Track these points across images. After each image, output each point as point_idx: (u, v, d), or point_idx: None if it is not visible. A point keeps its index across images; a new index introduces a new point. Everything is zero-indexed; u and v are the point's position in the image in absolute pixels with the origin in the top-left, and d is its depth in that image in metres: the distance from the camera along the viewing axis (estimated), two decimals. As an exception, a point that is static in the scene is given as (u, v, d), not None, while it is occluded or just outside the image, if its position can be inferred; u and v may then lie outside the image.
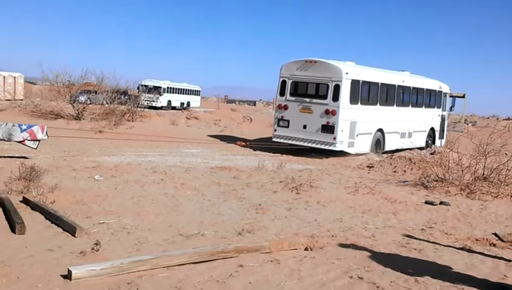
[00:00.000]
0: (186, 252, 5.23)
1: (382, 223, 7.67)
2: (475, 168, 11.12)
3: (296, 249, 5.96)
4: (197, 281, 4.64)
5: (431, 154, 14.21)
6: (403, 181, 11.57)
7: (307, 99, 16.29)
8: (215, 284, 4.63)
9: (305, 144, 16.34)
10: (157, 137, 18.06)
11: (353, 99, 16.07)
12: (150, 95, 34.71)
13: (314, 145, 16.14)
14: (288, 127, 16.63)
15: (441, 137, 21.77)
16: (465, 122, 36.59)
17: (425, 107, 20.34)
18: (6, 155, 11.28)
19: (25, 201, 7.10)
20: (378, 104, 17.40)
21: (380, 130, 17.38)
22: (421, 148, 17.41)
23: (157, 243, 5.87)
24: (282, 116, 16.82)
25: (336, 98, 15.66)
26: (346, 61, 17.18)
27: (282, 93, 16.91)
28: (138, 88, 36.76)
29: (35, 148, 11.21)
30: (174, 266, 4.95)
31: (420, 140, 19.79)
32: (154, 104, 36.84)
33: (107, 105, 24.82)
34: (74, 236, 5.79)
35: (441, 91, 21.52)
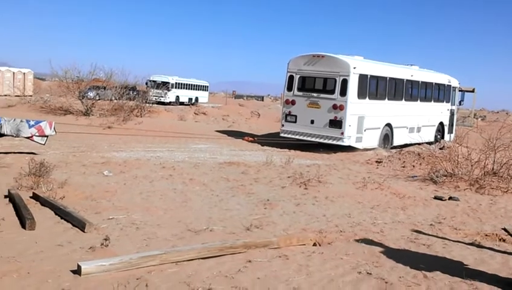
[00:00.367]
0: (194, 248, 5.25)
1: (391, 219, 7.65)
2: (484, 163, 11.05)
3: (304, 244, 5.96)
4: (206, 277, 4.66)
5: (440, 149, 14.12)
6: (412, 176, 11.53)
7: (315, 94, 16.24)
8: (223, 279, 4.64)
9: (313, 139, 16.30)
10: (165, 133, 18.12)
11: (361, 94, 16.00)
12: (158, 91, 34.81)
13: (321, 141, 16.10)
14: (295, 122, 16.59)
15: (450, 132, 21.62)
16: (474, 117, 36.31)
17: (434, 101, 20.20)
18: (16, 151, 11.36)
19: (35, 197, 7.16)
20: (386, 99, 17.31)
21: (388, 125, 17.29)
22: (430, 143, 17.33)
23: (166, 238, 5.90)
24: (289, 112, 16.79)
25: (343, 92, 15.60)
26: (354, 55, 17.09)
27: (289, 88, 16.87)
28: (146, 84, 36.89)
29: (44, 144, 11.28)
30: (183, 261, 4.97)
31: (429, 135, 19.68)
32: (162, 99, 36.92)
33: (115, 101, 24.94)
34: (84, 232, 5.84)
35: (450, 85, 21.37)
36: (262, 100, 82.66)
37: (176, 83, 45.08)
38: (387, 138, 17.35)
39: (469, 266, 5.45)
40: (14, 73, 37.98)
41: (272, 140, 17.90)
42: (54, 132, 11.39)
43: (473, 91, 24.10)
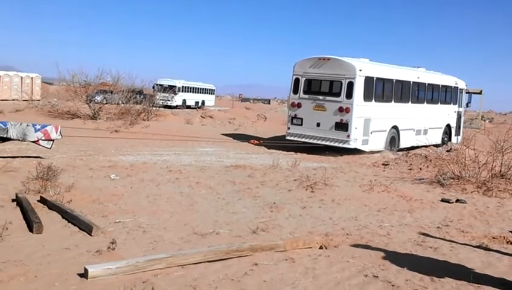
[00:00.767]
0: (201, 251, 5.26)
1: (397, 221, 7.62)
2: (492, 166, 10.99)
3: (310, 247, 5.96)
4: (212, 280, 4.67)
5: (447, 151, 14.07)
6: (419, 179, 11.48)
7: (321, 97, 16.24)
8: (230, 282, 4.65)
9: (319, 142, 16.29)
10: (172, 136, 18.17)
11: (367, 97, 15.98)
12: (165, 94, 34.96)
13: (328, 143, 16.08)
14: (301, 125, 16.60)
15: (457, 134, 21.53)
16: (482, 119, 36.12)
17: (441, 103, 20.14)
18: (23, 155, 11.43)
19: (42, 200, 7.20)
20: (392, 101, 17.28)
21: (395, 127, 17.25)
22: (437, 146, 17.27)
23: (172, 241, 5.91)
24: (295, 114, 16.79)
25: (349, 95, 15.58)
26: (360, 58, 17.08)
27: (295, 91, 16.88)
28: (153, 87, 37.03)
29: (50, 148, 11.33)
30: (189, 264, 4.98)
31: (436, 137, 19.61)
32: (169, 103, 37.06)
33: (122, 105, 25.03)
34: (90, 235, 5.86)
35: (457, 87, 21.29)
36: (269, 103, 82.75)
37: (182, 86, 45.24)
38: (393, 140, 17.31)
39: (476, 269, 5.42)
40: (22, 78, 38.28)
41: (278, 143, 17.90)
42: (60, 136, 11.44)
43: (480, 93, 23.97)
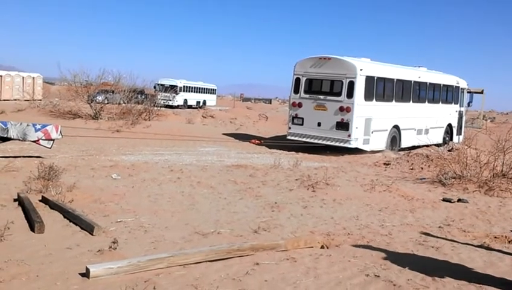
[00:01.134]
0: (202, 251, 5.26)
1: (399, 221, 7.62)
2: (493, 165, 10.98)
3: (312, 247, 5.95)
4: (213, 279, 4.67)
5: (448, 151, 14.06)
6: (420, 178, 11.48)
7: (321, 97, 16.23)
8: (231, 282, 4.65)
9: (320, 141, 16.28)
10: (173, 136, 18.18)
11: (368, 96, 15.97)
12: (166, 94, 34.97)
13: (328, 143, 16.08)
14: (302, 124, 16.59)
15: (459, 133, 21.50)
16: (483, 119, 36.12)
17: (442, 103, 20.12)
18: (25, 155, 11.45)
19: (44, 200, 7.21)
20: (393, 101, 17.27)
21: (396, 127, 17.24)
22: (438, 145, 17.24)
23: (173, 241, 5.91)
24: (296, 114, 16.79)
25: (350, 94, 15.58)
26: (361, 57, 17.07)
27: (296, 90, 16.87)
28: (155, 87, 37.08)
29: (50, 148, 11.33)
30: (191, 264, 4.98)
31: (437, 136, 19.59)
32: (170, 103, 37.07)
33: (124, 104, 25.05)
34: (92, 235, 5.87)
35: (458, 87, 21.27)
36: (270, 103, 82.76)
37: (183, 86, 45.27)
38: (394, 140, 17.30)
39: (478, 269, 5.42)
40: (23, 78, 38.31)
41: (279, 142, 17.90)
42: (61, 136, 11.44)
43: (481, 92, 23.96)
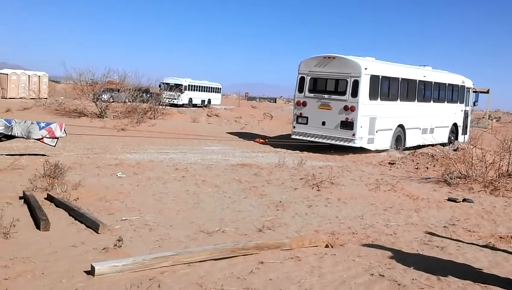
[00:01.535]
0: (207, 249, 5.27)
1: (404, 221, 7.60)
2: (499, 165, 10.94)
3: (316, 246, 5.95)
4: (218, 278, 4.67)
5: (454, 150, 14.02)
6: (425, 178, 11.45)
7: (326, 96, 16.21)
8: (235, 280, 4.65)
9: (324, 140, 16.26)
10: (178, 134, 18.20)
11: (372, 95, 15.93)
12: (171, 93, 35.01)
13: (333, 142, 16.05)
14: (307, 123, 16.57)
15: (464, 133, 21.42)
16: (489, 118, 35.95)
17: (447, 102, 20.04)
18: (31, 153, 11.50)
19: (50, 198, 7.24)
20: (398, 100, 17.22)
21: (401, 126, 17.19)
22: (443, 145, 17.19)
23: (178, 239, 5.93)
24: (300, 113, 16.77)
25: (354, 94, 15.55)
26: (365, 56, 17.03)
27: (300, 90, 16.86)
28: (160, 86, 37.11)
29: (54, 146, 11.37)
30: (195, 262, 4.99)
31: (442, 136, 19.53)
32: (175, 101, 37.12)
33: (129, 103, 25.11)
34: (97, 232, 5.89)
35: (464, 86, 21.18)
36: (275, 102, 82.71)
37: (188, 85, 45.32)
38: (399, 139, 17.25)
39: (483, 269, 5.40)
40: (29, 76, 38.45)
41: (284, 141, 17.89)
42: (65, 134, 11.47)
43: (487, 92, 23.84)
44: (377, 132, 16.04)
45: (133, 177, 9.53)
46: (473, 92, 21.99)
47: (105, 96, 26.30)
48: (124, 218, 6.66)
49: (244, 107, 46.28)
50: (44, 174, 8.23)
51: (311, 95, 16.55)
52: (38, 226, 5.95)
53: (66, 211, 6.69)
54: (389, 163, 13.74)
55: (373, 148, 16.04)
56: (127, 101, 25.68)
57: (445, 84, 19.94)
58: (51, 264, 4.78)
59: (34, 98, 30.01)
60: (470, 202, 9.14)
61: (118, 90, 28.17)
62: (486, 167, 10.92)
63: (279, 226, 6.79)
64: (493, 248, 6.28)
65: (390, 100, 16.84)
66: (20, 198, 7.23)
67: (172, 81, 42.82)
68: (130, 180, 9.23)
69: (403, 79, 17.41)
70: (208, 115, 30.55)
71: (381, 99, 16.32)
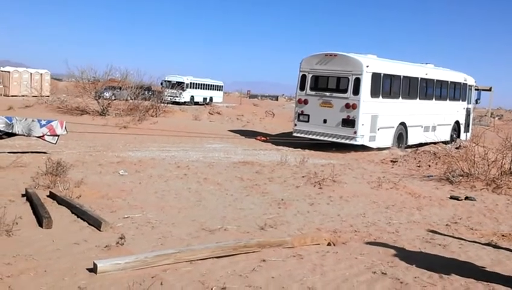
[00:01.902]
0: (209, 247, 5.27)
1: (406, 219, 7.60)
2: (501, 163, 10.91)
3: (318, 244, 5.95)
4: (220, 275, 4.67)
5: (456, 148, 13.99)
6: (428, 176, 11.43)
7: (327, 94, 16.19)
8: (237, 278, 4.65)
9: (326, 138, 16.25)
10: (180, 132, 18.21)
11: (374, 93, 15.91)
12: (173, 91, 35.03)
13: (334, 140, 16.04)
14: (308, 121, 16.56)
15: (466, 131, 21.40)
16: (491, 116, 35.89)
17: (449, 100, 20.01)
18: (33, 150, 11.51)
19: (52, 196, 7.25)
20: (400, 98, 17.19)
21: (403, 124, 17.17)
22: (445, 142, 17.16)
23: (180, 237, 5.93)
24: (302, 111, 16.76)
25: (356, 91, 15.53)
26: (367, 54, 17.01)
27: (302, 87, 16.84)
28: (161, 84, 37.14)
29: (55, 144, 11.37)
30: (197, 260, 4.99)
31: (445, 134, 19.50)
32: (177, 99, 37.12)
33: (131, 101, 25.15)
34: (99, 230, 5.89)
35: (466, 84, 21.15)
36: (277, 100, 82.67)
37: (190, 83, 45.29)
38: (401, 137, 17.23)
39: (485, 267, 5.39)
40: (31, 74, 38.49)
41: (285, 139, 17.89)
42: (65, 132, 11.47)
43: (489, 90, 23.81)
44: (378, 129, 16.02)
45: (135, 175, 9.54)
46: (475, 89, 21.96)
47: (107, 94, 26.33)
48: (126, 216, 6.67)
49: (246, 105, 46.28)
50: (46, 171, 8.24)
51: (313, 92, 16.53)
52: (40, 224, 5.96)
53: (68, 208, 6.70)
54: (391, 161, 13.72)
55: (375, 146, 16.03)
56: (128, 99, 25.71)
57: (447, 82, 19.91)
58: (54, 262, 4.79)
59: (36, 96, 30.08)
60: (472, 200, 9.12)
61: (120, 88, 28.20)
62: (488, 165, 10.90)
63: (281, 224, 6.79)
64: (495, 246, 6.26)
65: (392, 98, 16.83)
66: (23, 196, 7.24)
67: (174, 79, 42.81)
68: (132, 178, 9.24)
69: (404, 77, 17.38)
70: (209, 113, 30.56)
71: (382, 97, 16.30)
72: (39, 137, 11.18)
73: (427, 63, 20.07)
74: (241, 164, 11.67)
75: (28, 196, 7.06)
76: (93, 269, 4.54)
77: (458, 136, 20.47)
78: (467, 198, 9.22)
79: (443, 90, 19.66)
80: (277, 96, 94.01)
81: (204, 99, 47.11)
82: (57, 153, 11.10)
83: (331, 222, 7.10)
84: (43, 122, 11.15)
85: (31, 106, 25.56)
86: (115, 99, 25.64)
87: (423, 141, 17.57)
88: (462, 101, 20.95)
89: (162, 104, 26.60)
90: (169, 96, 32.34)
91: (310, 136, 16.69)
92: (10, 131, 10.66)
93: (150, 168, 10.33)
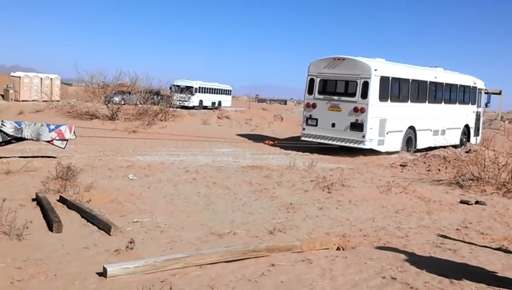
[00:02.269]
0: (218, 251, 5.28)
1: (416, 223, 7.56)
2: (512, 167, 10.84)
3: (327, 248, 5.94)
4: (229, 280, 4.68)
5: (466, 152, 13.91)
6: (437, 180, 11.37)
7: (336, 98, 16.17)
8: (247, 283, 4.65)
9: (334, 142, 16.22)
10: (189, 136, 18.25)
11: (383, 97, 15.86)
12: (182, 95, 35.14)
13: (343, 144, 16.00)
14: (316, 125, 16.54)
15: (476, 134, 21.26)
16: (501, 120, 35.59)
17: (459, 103, 19.90)
18: (43, 155, 11.59)
19: (62, 200, 7.29)
20: (409, 101, 17.13)
21: (412, 128, 17.09)
22: (455, 146, 17.06)
23: (190, 241, 5.94)
24: (310, 115, 16.74)
25: (364, 95, 15.49)
26: (375, 58, 16.97)
27: (310, 91, 16.83)
28: (170, 88, 37.27)
29: (64, 148, 11.43)
30: (207, 264, 5.00)
31: (454, 138, 19.38)
32: (186, 104, 37.24)
33: (140, 105, 25.24)
34: (109, 234, 5.92)
35: (476, 87, 21.02)
36: (285, 104, 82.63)
37: (199, 87, 45.41)
38: (410, 140, 17.15)
39: (496, 272, 5.35)
40: (41, 79, 38.78)
41: (293, 143, 17.87)
42: (74, 136, 11.52)
43: (499, 93, 23.63)
44: (387, 133, 15.96)
45: (145, 179, 9.58)
46: (485, 93, 21.81)
47: (116, 99, 26.47)
48: (135, 220, 6.69)
49: (255, 109, 46.30)
50: (56, 176, 8.30)
51: (321, 96, 16.51)
52: (51, 228, 5.99)
53: (78, 213, 6.74)
54: (401, 165, 13.66)
55: (383, 150, 15.96)
56: (138, 103, 25.82)
57: (457, 85, 19.80)
58: (64, 266, 4.82)
59: (46, 101, 30.28)
60: (482, 204, 9.06)
61: (129, 93, 28.34)
62: (499, 169, 10.83)
63: (290, 229, 6.78)
64: (506, 251, 6.22)
65: (400, 101, 16.76)
66: (33, 200, 7.29)
67: (183, 83, 42.95)
68: (141, 182, 9.27)
69: (413, 80, 17.32)
70: (218, 117, 30.63)
71: (391, 101, 16.25)
72: (48, 141, 11.25)
73: (436, 67, 19.98)
74: (249, 168, 11.67)
75: (39, 201, 7.11)
76: (103, 273, 4.57)
77: (468, 140, 20.34)
78: (477, 202, 9.16)
79: (452, 93, 19.56)
80: (285, 100, 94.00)
81: (213, 103, 47.21)
82: (67, 158, 11.16)
83: (340, 227, 7.08)
84: (52, 126, 11.21)
85: (42, 110, 25.75)
86: (124, 104, 25.77)
87: (432, 145, 17.47)
88: (472, 104, 20.82)
89: (171, 109, 26.70)
90: (178, 100, 32.45)
91: (318, 140, 16.67)
92: (19, 136, 10.73)
93: (159, 173, 10.36)
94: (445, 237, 6.80)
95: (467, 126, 20.66)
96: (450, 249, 6.16)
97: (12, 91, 36.83)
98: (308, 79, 16.90)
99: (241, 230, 6.57)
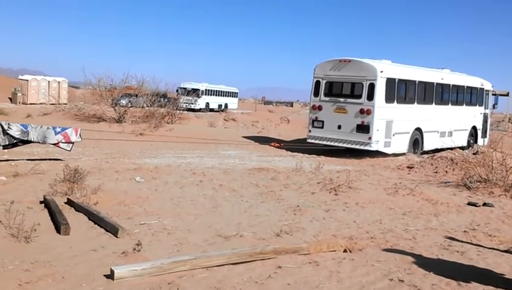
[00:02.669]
0: (225, 253, 5.28)
1: (423, 225, 7.53)
2: (520, 169, 10.77)
3: (334, 250, 5.92)
4: (236, 282, 4.68)
5: (473, 154, 13.84)
6: (445, 182, 11.32)
7: (341, 99, 16.14)
8: (254, 285, 4.66)
9: (340, 144, 16.19)
10: (195, 139, 18.29)
11: (389, 98, 15.82)
12: (188, 98, 35.23)
13: (349, 146, 15.97)
14: (322, 127, 16.51)
15: (484, 136, 21.15)
16: (509, 121, 35.42)
17: (466, 105, 19.81)
18: (51, 158, 11.65)
19: (69, 202, 7.33)
20: (415, 103, 17.07)
21: (418, 129, 17.03)
22: (462, 148, 16.98)
23: (196, 243, 5.95)
24: (316, 117, 16.72)
25: (370, 97, 15.45)
26: (381, 59, 16.93)
27: (316, 93, 16.82)
28: (177, 91, 37.38)
29: (70, 151, 11.50)
30: (214, 266, 5.01)
31: (461, 139, 19.28)
32: (192, 106, 37.32)
33: (147, 108, 25.34)
34: (116, 237, 5.94)
35: (483, 89, 20.92)
36: (292, 106, 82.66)
37: (205, 89, 45.54)
38: (417, 142, 17.09)
39: (504, 274, 5.32)
40: (49, 82, 39.03)
41: (300, 145, 17.86)
42: (80, 139, 11.57)
43: (507, 95, 23.54)
44: (393, 135, 15.91)
45: (152, 182, 9.60)
46: (492, 94, 21.71)
47: (123, 102, 26.57)
48: (142, 222, 6.71)
49: (261, 111, 46.36)
50: (64, 178, 8.33)
51: (327, 98, 16.49)
52: (58, 231, 6.02)
53: (86, 215, 6.77)
54: (408, 167, 13.61)
55: (390, 152, 15.92)
56: (145, 106, 25.93)
57: (464, 86, 19.72)
58: (71, 268, 4.84)
59: (53, 104, 30.48)
60: (490, 206, 9.01)
61: (136, 96, 28.45)
62: (506, 171, 10.76)
63: (297, 231, 6.77)
64: (515, 253, 6.18)
65: (407, 103, 16.71)
66: (41, 202, 7.33)
67: (189, 86, 43.09)
68: (148, 185, 9.30)
69: (419, 82, 17.26)
70: (224, 120, 30.68)
71: (397, 102, 16.20)
72: (54, 144, 11.31)
73: (443, 68, 19.92)
74: (256, 171, 11.68)
75: (46, 203, 7.15)
76: (110, 276, 4.58)
77: (475, 141, 20.25)
78: (485, 204, 9.11)
79: (459, 95, 19.47)
80: (292, 103, 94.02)
81: (220, 106, 47.31)
82: (74, 160, 11.22)
83: (347, 229, 7.07)
84: (58, 129, 11.27)
85: (49, 113, 25.90)
86: (131, 107, 25.87)
87: (439, 147, 17.40)
88: (479, 106, 20.73)
89: (178, 111, 26.78)
90: (184, 103, 32.54)
91: (325, 142, 16.64)
92: (26, 138, 10.79)
93: (166, 175, 10.39)
94: (453, 239, 6.77)
95: (474, 128, 20.56)
96: (457, 251, 6.13)
97: (20, 94, 37.09)
98: (314, 81, 16.90)
99: (248, 232, 6.57)
